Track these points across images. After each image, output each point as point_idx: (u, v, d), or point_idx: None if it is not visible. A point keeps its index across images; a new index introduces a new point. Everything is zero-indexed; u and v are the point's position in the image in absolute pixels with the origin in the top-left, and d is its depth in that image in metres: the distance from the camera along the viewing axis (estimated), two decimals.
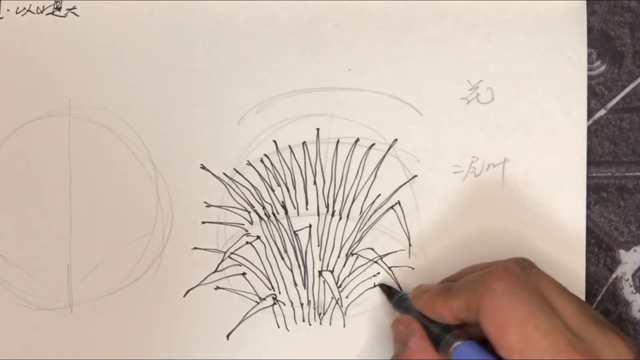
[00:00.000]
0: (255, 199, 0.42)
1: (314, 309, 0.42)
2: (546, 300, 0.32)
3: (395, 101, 0.42)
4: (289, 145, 0.42)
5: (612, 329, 0.32)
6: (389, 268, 0.42)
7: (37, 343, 0.42)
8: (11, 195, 0.43)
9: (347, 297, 0.42)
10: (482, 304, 0.32)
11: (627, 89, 0.42)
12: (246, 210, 0.42)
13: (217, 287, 0.42)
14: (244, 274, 0.42)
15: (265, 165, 0.42)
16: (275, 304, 0.42)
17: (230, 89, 0.43)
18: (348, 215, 0.42)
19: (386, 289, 0.41)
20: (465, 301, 0.34)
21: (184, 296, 0.42)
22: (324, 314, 0.42)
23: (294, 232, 0.42)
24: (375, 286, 0.42)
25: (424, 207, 0.42)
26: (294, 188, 0.42)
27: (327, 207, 0.42)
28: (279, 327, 0.42)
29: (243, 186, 0.42)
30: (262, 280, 0.42)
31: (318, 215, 0.42)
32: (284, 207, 0.42)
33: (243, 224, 0.42)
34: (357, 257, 0.42)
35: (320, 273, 0.42)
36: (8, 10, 0.44)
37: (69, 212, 0.43)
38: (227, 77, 0.43)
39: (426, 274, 0.41)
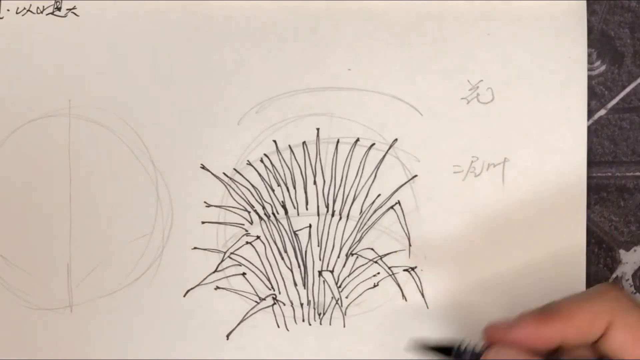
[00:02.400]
0: (255, 199, 0.42)
1: (314, 309, 0.42)
2: None
3: (395, 101, 0.42)
4: (289, 145, 0.42)
5: None
6: (389, 268, 0.42)
7: (37, 343, 0.42)
8: (11, 195, 0.43)
9: (347, 297, 0.42)
10: (616, 316, 0.33)
11: (627, 89, 0.42)
12: (246, 210, 0.42)
13: (217, 287, 0.42)
14: (243, 274, 0.42)
15: (265, 165, 0.42)
16: (275, 304, 0.42)
17: (230, 89, 0.43)
18: (348, 215, 0.42)
19: (441, 350, 0.36)
20: (589, 317, 0.33)
21: (184, 296, 0.42)
22: (324, 314, 0.42)
23: (294, 232, 0.42)
24: (375, 286, 0.42)
25: (424, 207, 0.42)
26: (294, 188, 0.42)
27: (327, 207, 0.42)
28: (278, 327, 0.42)
29: (243, 186, 0.42)
30: (262, 280, 0.42)
31: (318, 215, 0.42)
32: (284, 207, 0.42)
33: (243, 224, 0.42)
34: (357, 257, 0.42)
35: (320, 273, 0.42)
36: (8, 10, 0.44)
37: (69, 212, 0.43)
38: (227, 77, 0.43)
39: (426, 274, 0.41)
